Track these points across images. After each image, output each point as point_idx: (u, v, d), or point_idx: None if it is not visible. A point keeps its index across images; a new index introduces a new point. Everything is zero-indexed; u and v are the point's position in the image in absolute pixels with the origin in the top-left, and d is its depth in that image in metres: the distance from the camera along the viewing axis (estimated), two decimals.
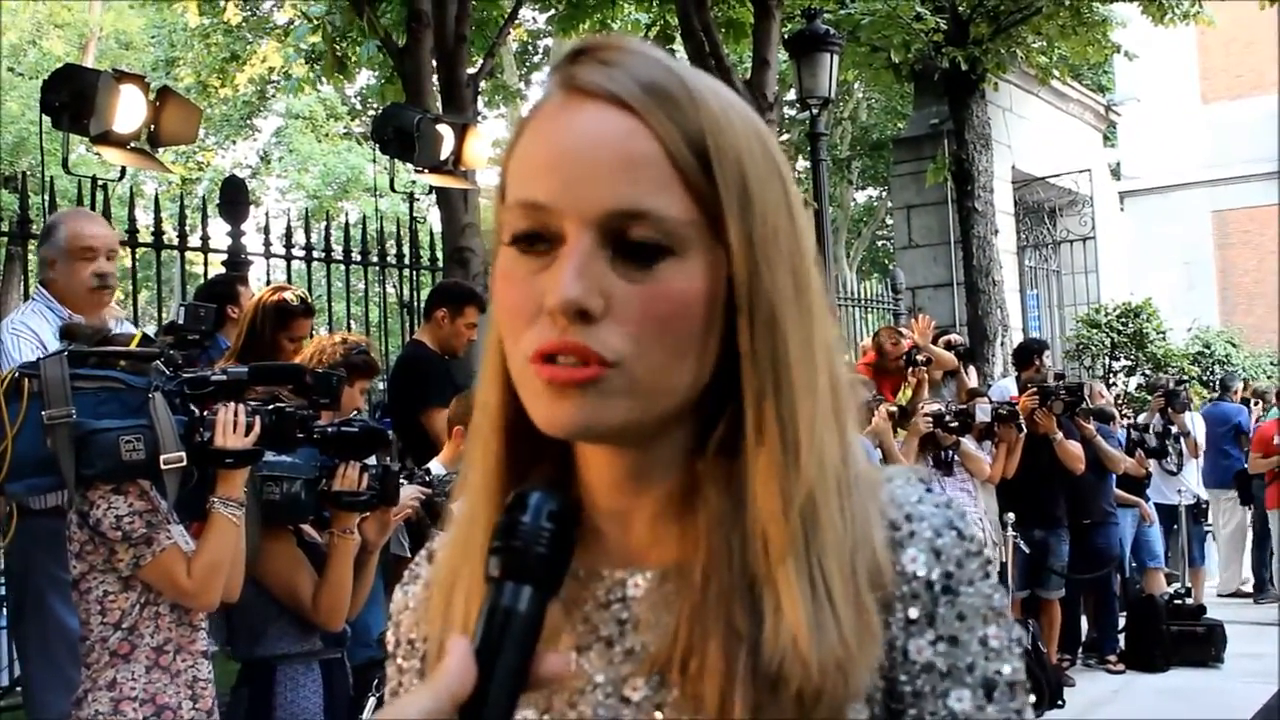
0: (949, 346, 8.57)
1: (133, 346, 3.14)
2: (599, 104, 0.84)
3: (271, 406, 3.19)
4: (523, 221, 0.84)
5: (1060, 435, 7.97)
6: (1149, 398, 10.87)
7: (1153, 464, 10.10)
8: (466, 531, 0.93)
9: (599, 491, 0.92)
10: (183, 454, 2.95)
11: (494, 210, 0.90)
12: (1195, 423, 11.30)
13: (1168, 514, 10.48)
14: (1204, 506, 11.49)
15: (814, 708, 0.80)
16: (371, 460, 3.78)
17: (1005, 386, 9.72)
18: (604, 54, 0.87)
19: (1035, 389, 8.07)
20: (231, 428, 3.08)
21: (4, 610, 5.48)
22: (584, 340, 0.81)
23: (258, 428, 3.13)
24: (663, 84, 0.84)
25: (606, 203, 0.82)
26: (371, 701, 4.06)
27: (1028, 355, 9.41)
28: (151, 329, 7.25)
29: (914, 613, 0.86)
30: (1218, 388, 13.10)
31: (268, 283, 7.58)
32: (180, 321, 3.27)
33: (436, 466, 4.76)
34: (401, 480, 4.43)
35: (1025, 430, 7.76)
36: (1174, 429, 10.65)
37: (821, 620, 0.81)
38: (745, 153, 0.86)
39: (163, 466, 2.92)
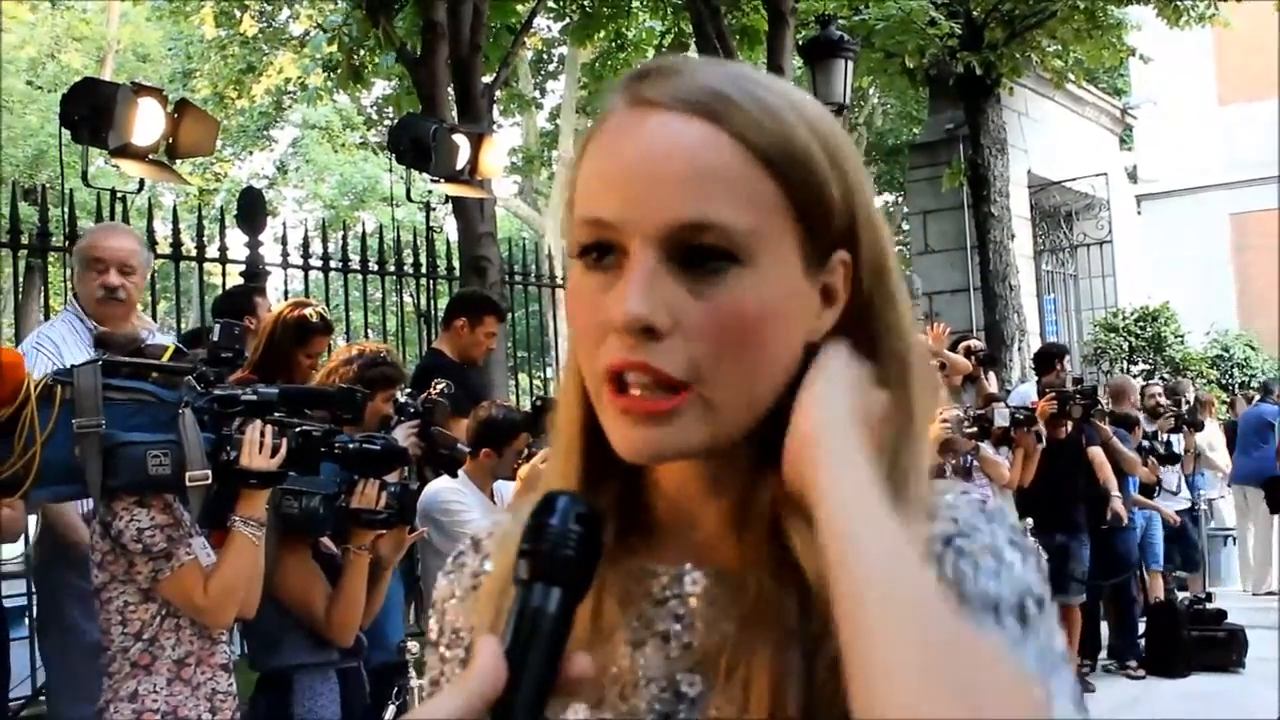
0: (969, 352, 8.56)
1: (165, 360, 3.16)
2: (663, 112, 0.83)
3: (298, 429, 3.20)
4: (587, 235, 0.84)
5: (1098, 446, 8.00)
6: (1164, 403, 10.80)
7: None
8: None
9: (668, 496, 0.92)
10: (208, 472, 2.95)
11: (564, 225, 0.90)
12: (1211, 437, 11.27)
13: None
14: (1197, 513, 11.43)
15: None
16: (391, 477, 3.79)
17: (1026, 392, 9.67)
18: (670, 68, 0.86)
19: (1053, 394, 8.06)
20: (258, 448, 3.08)
21: (25, 620, 5.53)
22: (651, 359, 0.81)
23: (284, 450, 3.13)
24: (728, 90, 0.84)
25: (670, 216, 0.81)
26: (391, 710, 4.07)
27: (1049, 360, 9.37)
28: (170, 340, 7.28)
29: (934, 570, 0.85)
30: (1260, 391, 13.04)
31: (285, 293, 7.62)
32: (215, 339, 3.29)
33: (463, 477, 4.77)
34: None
35: (1043, 439, 7.76)
36: (1180, 444, 10.58)
37: None
38: (818, 151, 0.85)
39: (187, 483, 2.93)
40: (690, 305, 0.81)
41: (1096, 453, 8.02)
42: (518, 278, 9.13)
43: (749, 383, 0.83)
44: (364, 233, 8.38)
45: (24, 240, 6.36)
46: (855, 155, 0.89)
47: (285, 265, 7.57)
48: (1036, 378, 9.60)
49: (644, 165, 0.82)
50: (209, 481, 2.96)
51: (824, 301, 0.87)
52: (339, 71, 12.76)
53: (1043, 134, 14.68)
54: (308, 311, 4.51)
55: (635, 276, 0.81)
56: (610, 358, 0.82)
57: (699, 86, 0.83)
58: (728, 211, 0.81)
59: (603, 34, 13.49)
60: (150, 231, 7.01)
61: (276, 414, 3.17)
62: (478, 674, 0.73)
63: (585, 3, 13.26)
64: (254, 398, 3.13)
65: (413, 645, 3.93)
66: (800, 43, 10.83)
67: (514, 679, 0.73)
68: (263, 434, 3.09)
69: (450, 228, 10.56)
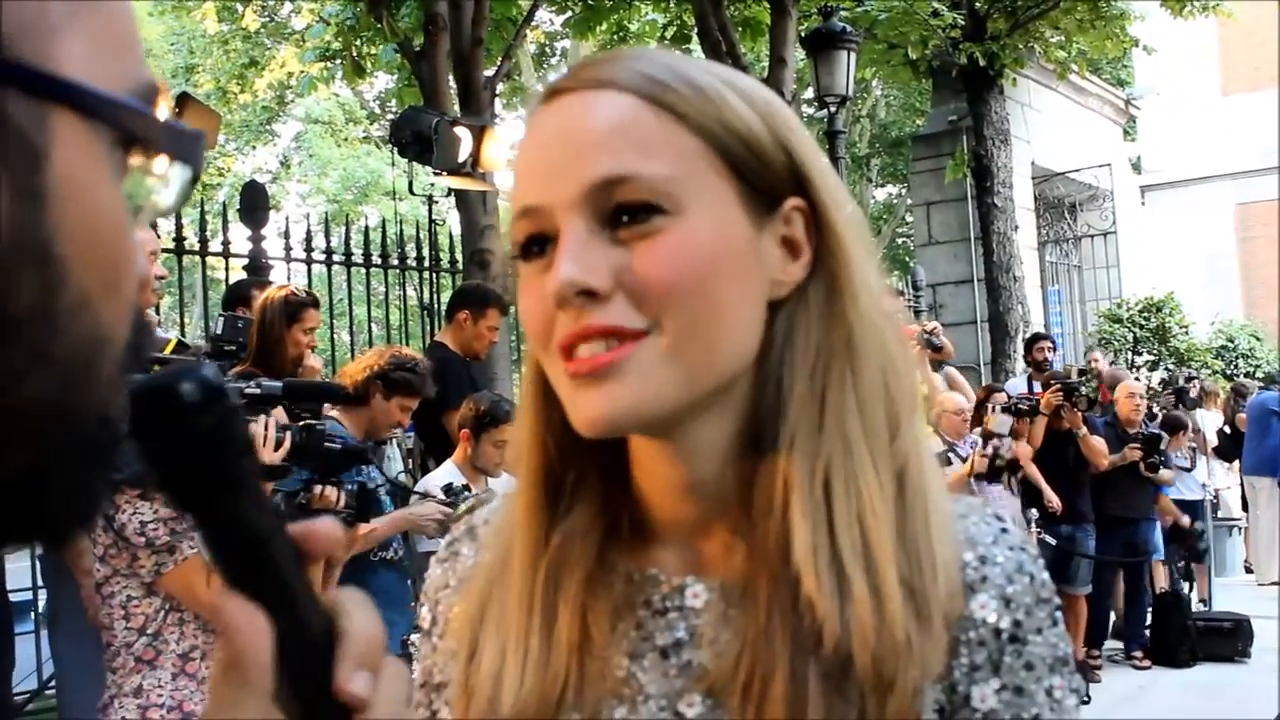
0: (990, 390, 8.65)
1: (167, 353, 3.15)
2: (571, 95, 0.84)
3: (302, 423, 3.19)
4: (521, 231, 0.83)
5: (1084, 430, 7.94)
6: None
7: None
8: (501, 561, 0.91)
9: (654, 500, 0.89)
10: None
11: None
12: (1206, 420, 11.22)
13: (1187, 509, 10.37)
14: (1214, 502, 11.40)
15: (885, 696, 0.79)
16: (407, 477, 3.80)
17: (1017, 383, 9.74)
18: (582, 62, 0.87)
19: (1059, 385, 8.05)
20: (262, 442, 3.08)
21: (33, 614, 5.53)
22: (602, 319, 0.79)
23: (288, 444, 3.12)
24: (636, 65, 0.84)
25: (586, 178, 0.80)
26: None
27: (1029, 349, 9.54)
28: (174, 334, 7.29)
29: (979, 659, 0.85)
30: (1266, 381, 13.00)
31: None
32: (219, 332, 3.29)
33: (449, 467, 4.78)
34: (417, 494, 4.46)
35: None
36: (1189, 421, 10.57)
37: (880, 610, 0.79)
38: (734, 98, 0.84)
39: None
40: (628, 262, 0.80)
41: (1095, 440, 8.00)
42: None
43: (703, 330, 0.81)
44: (367, 226, 8.36)
45: None
46: (787, 110, 0.88)
47: (288, 259, 7.56)
48: (1026, 368, 9.68)
49: (557, 142, 0.82)
50: None
51: (788, 254, 0.86)
52: (339, 61, 12.74)
53: (1046, 125, 14.65)
54: (292, 288, 4.55)
55: (564, 245, 0.80)
56: (563, 333, 0.80)
57: (607, 66, 0.84)
58: (643, 162, 0.80)
59: (604, 26, 13.43)
60: (153, 225, 7.00)
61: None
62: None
63: None
64: (258, 391, 3.12)
65: (415, 638, 3.93)
66: (803, 34, 10.81)
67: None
68: (267, 428, 3.09)
69: (453, 221, 10.55)
